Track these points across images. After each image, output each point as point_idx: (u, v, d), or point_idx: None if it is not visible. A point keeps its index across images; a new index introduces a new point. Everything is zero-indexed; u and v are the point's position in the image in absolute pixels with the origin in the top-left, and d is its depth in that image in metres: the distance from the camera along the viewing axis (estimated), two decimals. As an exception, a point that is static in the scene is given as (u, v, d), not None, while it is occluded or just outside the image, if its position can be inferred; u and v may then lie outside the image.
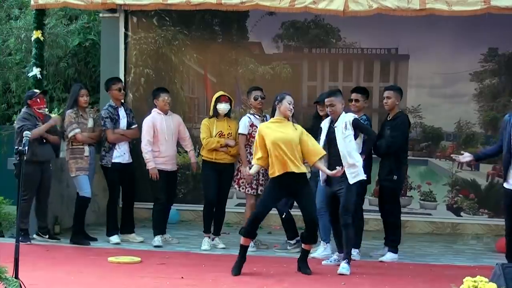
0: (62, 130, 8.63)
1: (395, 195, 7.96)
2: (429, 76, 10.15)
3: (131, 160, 8.80)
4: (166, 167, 8.57)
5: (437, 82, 10.16)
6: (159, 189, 8.54)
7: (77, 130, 8.48)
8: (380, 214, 8.15)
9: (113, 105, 8.74)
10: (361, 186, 7.97)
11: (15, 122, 8.61)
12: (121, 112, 8.77)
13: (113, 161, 8.61)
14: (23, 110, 8.58)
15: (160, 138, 8.54)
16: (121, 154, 8.65)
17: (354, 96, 8.10)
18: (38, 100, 8.49)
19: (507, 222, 6.99)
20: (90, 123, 8.67)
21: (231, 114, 8.80)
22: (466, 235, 9.81)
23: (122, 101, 8.97)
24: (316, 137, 7.75)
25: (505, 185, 6.96)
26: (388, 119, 8.06)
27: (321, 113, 8.08)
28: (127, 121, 8.79)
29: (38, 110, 8.49)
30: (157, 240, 8.48)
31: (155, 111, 8.64)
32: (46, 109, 8.73)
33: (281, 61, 10.52)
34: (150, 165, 8.45)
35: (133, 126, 8.84)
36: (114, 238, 8.60)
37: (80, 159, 8.52)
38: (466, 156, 7.32)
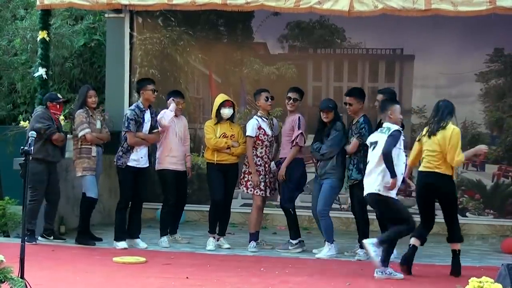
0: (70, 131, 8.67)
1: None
2: (435, 77, 10.13)
3: (147, 165, 8.45)
4: (177, 167, 8.58)
5: (442, 82, 10.13)
6: (169, 190, 8.54)
7: (87, 130, 8.47)
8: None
9: (141, 107, 8.38)
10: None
11: (31, 120, 8.60)
12: (147, 115, 8.41)
13: (128, 163, 8.29)
14: (39, 109, 8.58)
15: (171, 137, 8.53)
16: (138, 158, 8.32)
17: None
18: (58, 106, 8.59)
19: None
20: (98, 124, 8.67)
21: (236, 115, 8.80)
22: (472, 236, 9.78)
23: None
24: (322, 138, 7.96)
25: None
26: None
27: (324, 120, 8.01)
28: (151, 124, 8.46)
29: (54, 114, 8.58)
30: (164, 241, 8.49)
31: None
32: (60, 117, 8.76)
33: (286, 61, 10.52)
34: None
35: (155, 130, 8.51)
36: (121, 244, 8.30)
37: (87, 159, 8.51)
38: None
